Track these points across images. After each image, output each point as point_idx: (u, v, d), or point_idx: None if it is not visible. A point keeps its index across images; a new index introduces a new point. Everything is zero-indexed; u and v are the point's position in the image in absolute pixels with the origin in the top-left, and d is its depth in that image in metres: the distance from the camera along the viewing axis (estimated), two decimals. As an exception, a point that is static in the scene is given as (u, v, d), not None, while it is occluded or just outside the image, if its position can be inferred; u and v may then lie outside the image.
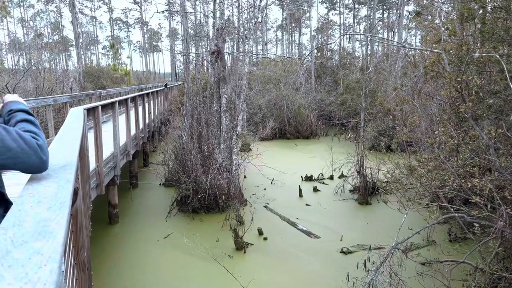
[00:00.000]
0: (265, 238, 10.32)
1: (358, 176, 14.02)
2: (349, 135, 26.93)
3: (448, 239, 9.96)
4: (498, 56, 5.57)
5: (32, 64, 24.70)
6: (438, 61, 7.12)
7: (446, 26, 8.40)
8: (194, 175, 12.13)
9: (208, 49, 13.11)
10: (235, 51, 13.12)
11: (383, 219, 11.73)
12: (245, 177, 15.63)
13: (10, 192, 2.37)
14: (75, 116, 5.35)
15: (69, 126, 4.18)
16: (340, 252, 9.45)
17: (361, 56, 40.31)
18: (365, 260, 8.16)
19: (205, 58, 14.14)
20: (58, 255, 1.13)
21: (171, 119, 28.06)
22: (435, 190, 7.00)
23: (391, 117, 11.17)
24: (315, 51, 35.68)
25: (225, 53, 12.53)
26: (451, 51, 6.60)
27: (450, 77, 6.08)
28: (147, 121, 18.32)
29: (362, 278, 7.09)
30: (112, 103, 10.09)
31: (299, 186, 14.23)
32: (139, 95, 15.21)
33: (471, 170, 6.44)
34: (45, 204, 1.61)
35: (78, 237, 2.82)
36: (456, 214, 6.54)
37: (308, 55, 29.36)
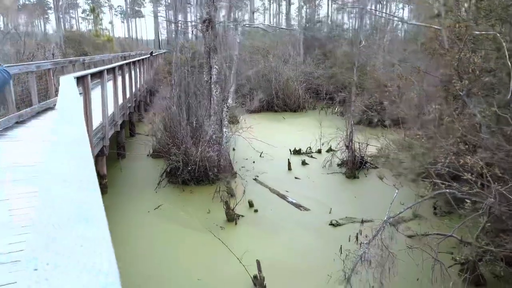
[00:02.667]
0: (256, 210, 10.43)
1: (346, 150, 14.16)
2: (336, 109, 27.03)
3: (434, 212, 10.25)
4: (498, 35, 5.56)
5: (11, 27, 23.57)
6: (436, 37, 7.08)
7: (442, 1, 8.32)
8: (184, 147, 12.03)
9: (199, 16, 12.70)
10: (225, 20, 12.73)
11: (370, 192, 11.97)
12: (233, 149, 15.61)
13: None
14: (69, 85, 5.16)
15: (67, 96, 4.02)
16: (330, 224, 9.66)
17: (350, 29, 39.91)
18: (357, 234, 8.36)
19: (195, 26, 13.72)
20: (109, 242, 1.08)
21: (158, 89, 27.54)
22: (428, 167, 7.10)
23: (387, 93, 11.14)
24: (304, 22, 35.09)
25: (216, 22, 12.17)
26: (449, 27, 6.57)
27: (452, 55, 6.07)
28: (133, 90, 17.91)
29: (354, 250, 7.27)
30: (101, 72, 9.76)
31: (288, 159, 14.31)
32: (126, 64, 14.76)
33: (463, 147, 6.55)
34: (73, 184, 1.54)
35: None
36: (447, 190, 6.70)
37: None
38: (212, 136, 12.81)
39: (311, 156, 15.91)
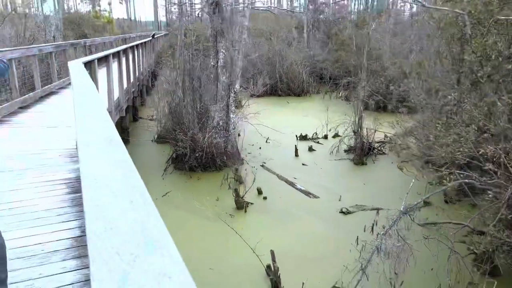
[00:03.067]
0: (265, 198, 10.33)
1: (354, 136, 13.99)
2: (340, 93, 26.73)
3: (444, 200, 10.16)
4: (526, 20, 5.33)
5: (12, 9, 23.04)
6: (456, 22, 6.83)
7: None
8: (191, 133, 11.86)
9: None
10: (233, 2, 12.37)
11: (379, 180, 11.86)
12: (238, 135, 15.44)
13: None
14: (81, 72, 4.96)
15: (83, 84, 3.83)
16: (340, 212, 9.57)
17: (354, 11, 39.17)
18: (372, 224, 8.23)
19: (201, 9, 13.35)
20: (190, 278, 0.93)
21: (160, 72, 27.15)
22: (451, 156, 6.93)
23: (406, 79, 10.81)
24: (309, 3, 34.40)
25: (224, 4, 11.82)
26: (472, 12, 6.31)
27: (477, 42, 5.85)
28: (137, 74, 17.63)
29: (370, 241, 7.18)
30: (106, 56, 9.50)
31: (295, 145, 14.15)
32: (130, 47, 14.45)
33: (483, 137, 6.39)
34: (122, 195, 1.38)
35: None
36: (466, 180, 6.56)
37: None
38: (219, 122, 12.62)
39: (318, 142, 15.75)
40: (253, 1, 12.44)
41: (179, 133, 11.76)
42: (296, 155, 13.99)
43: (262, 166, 12.83)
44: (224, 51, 12.29)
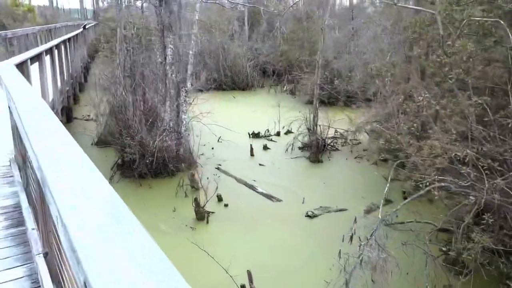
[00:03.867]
0: (226, 205, 9.71)
1: (309, 133, 13.81)
2: (285, 87, 26.66)
3: (403, 197, 10.27)
4: (502, 22, 5.27)
5: None
6: (430, 22, 6.71)
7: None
8: (139, 137, 10.82)
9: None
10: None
11: (337, 177, 11.77)
12: (188, 134, 14.57)
13: None
14: (16, 78, 4.00)
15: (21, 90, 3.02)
16: (306, 216, 9.26)
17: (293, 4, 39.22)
18: (351, 234, 7.92)
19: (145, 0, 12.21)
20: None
21: (95, 67, 25.03)
22: (427, 158, 6.81)
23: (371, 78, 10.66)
24: (248, -4, 33.81)
25: (171, -4, 10.86)
26: (443, 12, 6.21)
27: (451, 41, 5.71)
28: (70, 70, 15.92)
29: (348, 253, 6.89)
30: (38, 55, 8.15)
31: (251, 145, 13.63)
32: (62, 41, 12.87)
33: (457, 139, 6.34)
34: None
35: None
36: (443, 184, 6.49)
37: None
38: (168, 123, 11.69)
39: (271, 140, 15.38)
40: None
41: (126, 138, 10.66)
42: (252, 154, 13.49)
43: (218, 168, 12.16)
44: (172, 46, 11.34)
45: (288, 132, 16.11)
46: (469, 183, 6.07)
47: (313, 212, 9.31)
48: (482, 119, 6.15)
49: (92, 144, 14.16)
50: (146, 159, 10.83)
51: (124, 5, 13.55)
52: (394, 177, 11.50)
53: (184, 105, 11.83)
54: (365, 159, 13.15)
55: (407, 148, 7.88)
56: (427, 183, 6.64)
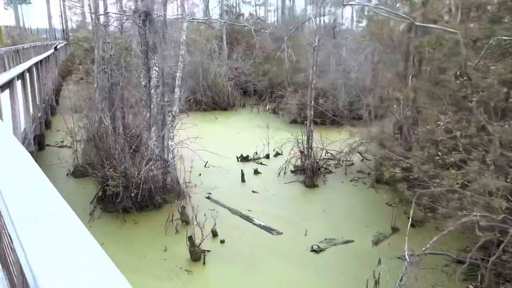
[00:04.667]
0: (222, 241, 8.82)
1: (302, 156, 13.16)
2: (267, 106, 26.14)
3: (410, 223, 9.68)
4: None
5: None
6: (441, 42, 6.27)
7: None
8: (123, 168, 9.85)
9: (132, 8, 10.49)
10: (164, 13, 10.69)
11: (336, 204, 11.10)
12: (175, 162, 13.64)
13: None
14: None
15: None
16: (311, 251, 8.49)
17: (273, 23, 39.23)
18: (377, 278, 7.14)
19: (125, 19, 11.39)
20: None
21: (66, 89, 23.73)
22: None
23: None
24: (225, 14, 33.53)
25: (155, 15, 10.11)
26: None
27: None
28: (42, 94, 14.79)
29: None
30: (10, 81, 7.17)
31: (242, 170, 12.84)
32: (34, 64, 11.84)
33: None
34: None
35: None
36: (475, 217, 5.89)
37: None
38: (154, 150, 10.78)
39: (261, 163, 14.63)
40: (192, 12, 10.85)
41: (108, 169, 9.66)
42: (243, 180, 12.69)
43: (208, 198, 11.29)
44: (157, 68, 10.54)
45: (278, 154, 15.44)
46: (502, 216, 5.51)
47: (318, 246, 8.56)
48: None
49: (67, 174, 13.02)
50: (130, 192, 9.86)
51: (101, 25, 12.66)
52: (395, 202, 11.01)
53: (172, 130, 10.96)
54: (361, 182, 12.60)
55: (427, 176, 7.28)
56: (448, 215, 6.04)
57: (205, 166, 13.68)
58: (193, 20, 13.00)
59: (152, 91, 10.65)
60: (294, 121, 22.16)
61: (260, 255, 8.34)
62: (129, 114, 11.79)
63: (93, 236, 1.40)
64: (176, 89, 10.97)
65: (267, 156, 15.26)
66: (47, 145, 16.81)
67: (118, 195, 9.76)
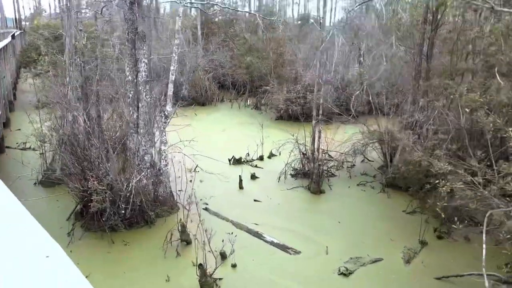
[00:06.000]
0: (234, 265, 7.52)
1: (305, 159, 12.03)
2: (248, 101, 24.79)
3: (436, 235, 8.80)
4: None
5: None
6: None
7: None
8: (109, 180, 8.27)
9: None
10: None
11: (350, 214, 10.04)
12: (168, 170, 12.07)
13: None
14: None
15: None
16: (339, 274, 7.37)
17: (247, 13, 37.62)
18: None
19: (107, 2, 9.64)
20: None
21: (27, 83, 21.24)
22: None
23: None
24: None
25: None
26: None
27: None
28: (1, 89, 12.73)
29: None
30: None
31: (240, 176, 11.52)
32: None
33: None
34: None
35: None
36: None
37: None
38: (143, 157, 9.26)
39: (256, 166, 13.36)
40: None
41: (92, 181, 8.04)
42: (241, 187, 11.39)
43: (206, 209, 9.92)
44: (146, 60, 8.99)
45: (272, 155, 14.23)
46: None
47: (346, 268, 7.46)
48: None
49: (35, 183, 11.19)
50: (118, 207, 8.32)
51: (74, 10, 10.86)
52: (411, 210, 10.14)
53: (164, 134, 9.47)
54: (369, 186, 11.64)
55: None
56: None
57: (195, 170, 12.17)
58: (190, 5, 11.39)
59: (141, 87, 9.09)
60: (280, 118, 21.04)
61: (280, 282, 7.13)
62: (107, 114, 10.17)
63: (76, 265, 1.07)
64: (170, 85, 9.47)
65: (261, 158, 14.01)
66: (7, 147, 14.73)
67: (105, 211, 8.20)
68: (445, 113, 8.26)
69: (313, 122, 11.45)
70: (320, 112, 11.24)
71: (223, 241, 7.64)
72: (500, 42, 7.00)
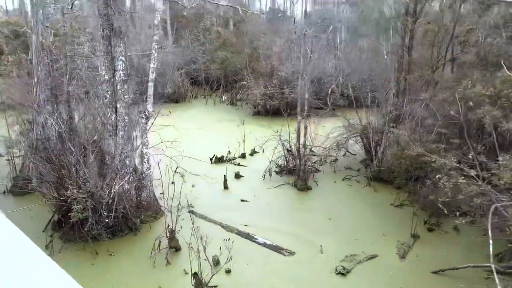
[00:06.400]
0: (228, 271, 7.20)
1: (289, 156, 11.83)
2: (223, 97, 24.30)
3: (428, 228, 8.83)
4: None
5: None
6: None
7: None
8: (89, 187, 7.72)
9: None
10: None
11: (339, 209, 9.91)
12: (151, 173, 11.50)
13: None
14: None
15: None
16: (337, 274, 7.22)
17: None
18: None
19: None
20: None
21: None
22: None
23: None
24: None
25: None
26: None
27: None
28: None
29: None
30: None
31: (224, 176, 11.17)
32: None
33: None
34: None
35: None
36: None
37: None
38: (124, 161, 8.74)
39: (238, 164, 13.03)
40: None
41: (73, 189, 7.47)
42: (225, 187, 11.06)
43: (192, 212, 9.53)
44: (123, 58, 8.45)
45: (254, 152, 13.95)
46: None
47: (343, 267, 7.32)
48: None
49: (4, 192, 10.41)
50: (100, 215, 7.81)
51: (41, 6, 10.09)
52: (399, 203, 10.14)
53: (145, 135, 8.98)
54: (355, 180, 11.60)
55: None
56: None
57: (175, 171, 11.70)
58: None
59: (119, 86, 8.55)
60: (257, 113, 20.69)
61: (277, 285, 6.89)
62: (80, 116, 9.54)
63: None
64: (150, 83, 8.97)
65: (243, 156, 13.70)
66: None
67: (86, 221, 7.66)
68: (447, 108, 8.21)
69: (298, 118, 11.23)
70: (306, 107, 11.01)
71: (220, 248, 7.27)
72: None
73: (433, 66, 10.46)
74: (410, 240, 8.33)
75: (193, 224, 7.34)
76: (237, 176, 11.85)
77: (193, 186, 10.78)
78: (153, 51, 8.77)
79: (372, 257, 7.74)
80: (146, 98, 9.14)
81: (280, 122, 17.28)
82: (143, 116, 8.86)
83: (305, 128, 10.97)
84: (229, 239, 7.26)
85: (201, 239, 6.74)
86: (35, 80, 10.45)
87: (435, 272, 7.21)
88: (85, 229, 7.64)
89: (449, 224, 8.86)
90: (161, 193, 10.15)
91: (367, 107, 12.02)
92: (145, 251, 7.71)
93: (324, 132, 13.21)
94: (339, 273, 7.21)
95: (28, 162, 10.25)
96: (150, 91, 9.05)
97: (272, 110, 19.55)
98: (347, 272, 7.24)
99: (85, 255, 7.65)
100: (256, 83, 20.50)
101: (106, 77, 8.52)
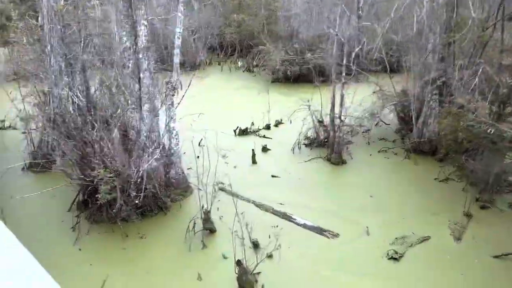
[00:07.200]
0: (270, 256, 6.65)
1: (321, 127, 11.07)
2: (239, 63, 23.26)
3: (480, 206, 8.16)
4: None
5: None
6: None
7: None
8: (117, 165, 7.13)
9: None
10: None
11: (380, 185, 9.25)
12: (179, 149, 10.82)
13: None
14: None
15: None
16: (389, 259, 6.65)
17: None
18: None
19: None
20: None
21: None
22: None
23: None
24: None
25: None
26: None
27: None
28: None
29: None
30: None
31: (253, 150, 10.51)
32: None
33: None
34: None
35: None
36: None
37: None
38: (149, 136, 8.09)
39: (264, 136, 12.34)
40: None
41: (98, 168, 6.88)
42: (254, 161, 10.42)
43: (222, 189, 8.91)
44: (146, 23, 7.61)
45: (279, 123, 13.21)
46: None
47: (395, 251, 6.74)
48: None
49: (23, 168, 9.89)
50: (128, 195, 7.26)
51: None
52: (444, 177, 9.44)
53: (173, 109, 8.26)
54: (392, 153, 10.87)
55: None
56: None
57: (199, 144, 11.03)
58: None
59: (141, 54, 7.75)
60: (276, 80, 19.71)
61: (325, 273, 6.36)
62: (108, 90, 8.80)
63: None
64: (176, 50, 8.16)
65: (268, 127, 12.96)
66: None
67: (114, 201, 7.12)
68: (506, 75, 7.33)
69: (333, 85, 10.36)
70: (343, 74, 10.11)
71: (255, 230, 6.69)
72: None
73: (483, 27, 9.42)
74: (463, 219, 7.69)
75: (236, 208, 6.66)
76: (264, 149, 11.19)
77: (224, 156, 10.08)
78: (179, 14, 7.86)
79: (425, 239, 7.14)
80: (172, 67, 8.33)
81: (302, 90, 16.45)
82: (170, 87, 8.10)
83: (341, 96, 10.13)
84: (277, 226, 6.71)
85: (247, 225, 6.15)
86: (49, 48, 9.67)
87: (496, 257, 6.61)
88: (114, 210, 7.10)
89: (503, 201, 8.21)
90: (188, 168, 9.60)
91: (406, 72, 11.09)
92: (178, 233, 7.22)
93: (355, 100, 12.36)
94: (391, 257, 6.64)
95: (46, 137, 9.66)
96: (176, 59, 8.24)
97: (294, 76, 18.56)
98: (400, 257, 6.67)
99: (115, 238, 7.17)
100: (275, 47, 19.42)
101: (128, 44, 7.71)
